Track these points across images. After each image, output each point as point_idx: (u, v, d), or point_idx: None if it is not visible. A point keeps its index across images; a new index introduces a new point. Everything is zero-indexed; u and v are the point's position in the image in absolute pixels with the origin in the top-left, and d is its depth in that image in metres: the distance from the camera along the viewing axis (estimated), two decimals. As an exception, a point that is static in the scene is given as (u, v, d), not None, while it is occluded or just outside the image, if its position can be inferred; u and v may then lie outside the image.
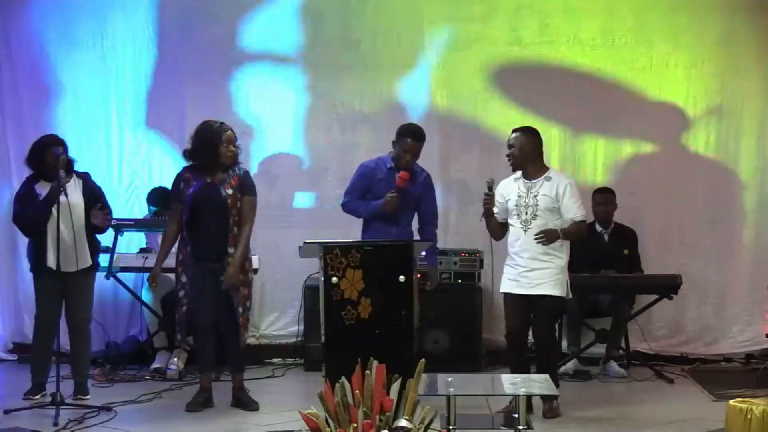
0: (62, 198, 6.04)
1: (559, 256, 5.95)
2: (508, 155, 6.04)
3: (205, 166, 6.09)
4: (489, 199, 6.01)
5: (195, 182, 6.09)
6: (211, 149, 6.05)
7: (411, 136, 6.40)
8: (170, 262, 7.24)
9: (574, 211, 5.97)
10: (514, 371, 5.88)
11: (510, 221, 6.04)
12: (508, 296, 6.04)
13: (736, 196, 7.88)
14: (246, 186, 6.16)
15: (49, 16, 7.87)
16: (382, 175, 6.48)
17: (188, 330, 6.30)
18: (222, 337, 6.21)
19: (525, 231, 5.95)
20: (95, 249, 6.46)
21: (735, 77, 7.82)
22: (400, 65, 7.88)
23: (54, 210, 6.07)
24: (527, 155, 6.02)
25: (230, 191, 6.09)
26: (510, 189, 6.07)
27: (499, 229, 6.12)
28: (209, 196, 6.06)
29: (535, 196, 5.97)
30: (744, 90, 7.83)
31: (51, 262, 6.17)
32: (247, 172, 6.24)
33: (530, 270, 5.93)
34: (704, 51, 7.83)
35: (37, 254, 6.28)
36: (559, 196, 5.95)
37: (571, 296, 6.09)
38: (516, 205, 5.99)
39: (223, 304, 6.11)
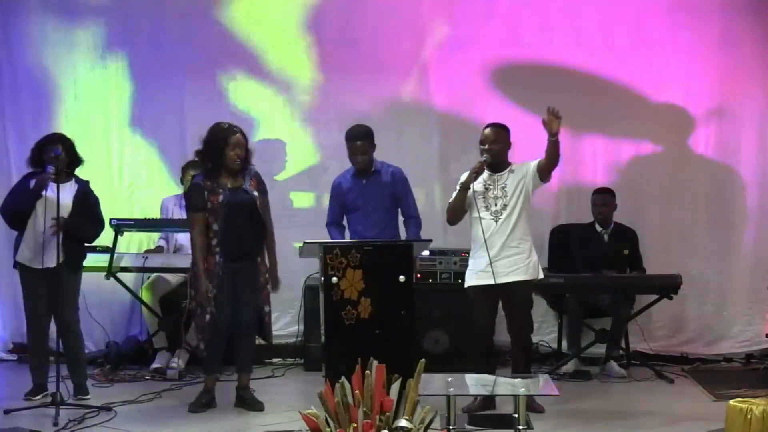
0: (50, 195, 6.04)
1: (526, 240, 6.03)
2: (487, 150, 6.01)
3: (217, 171, 6.08)
4: (478, 172, 5.96)
5: (221, 189, 6.03)
6: (218, 152, 6.03)
7: (351, 139, 6.55)
8: (172, 262, 7.27)
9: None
10: (482, 371, 5.72)
11: (478, 214, 6.00)
12: (475, 290, 6.00)
13: (736, 196, 7.88)
14: (262, 187, 6.21)
15: (49, 16, 7.87)
16: (348, 185, 6.64)
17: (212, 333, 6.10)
18: (237, 335, 6.16)
19: (496, 221, 5.98)
20: (78, 253, 6.40)
21: (735, 77, 7.82)
22: (400, 65, 7.88)
23: (38, 205, 6.10)
24: (505, 151, 6.08)
25: (255, 193, 6.12)
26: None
27: (463, 207, 6.05)
28: (242, 200, 6.06)
29: (503, 188, 6.01)
30: (744, 90, 7.83)
31: (24, 257, 6.18)
32: (257, 172, 6.25)
33: (501, 259, 5.95)
34: (704, 51, 7.83)
35: (16, 248, 6.31)
36: (526, 173, 5.99)
37: (542, 276, 6.14)
38: (483, 198, 6.00)
39: (245, 304, 6.10)
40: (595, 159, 7.94)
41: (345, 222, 6.77)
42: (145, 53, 7.90)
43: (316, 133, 7.96)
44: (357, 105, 7.91)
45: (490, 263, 5.92)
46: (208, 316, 6.02)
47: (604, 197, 7.50)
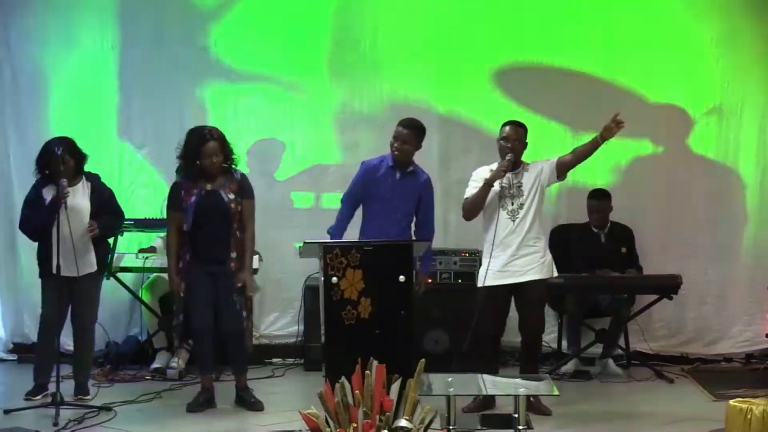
0: (69, 202, 6.05)
1: (541, 238, 6.10)
2: (509, 148, 6.02)
3: (196, 173, 6.11)
4: (506, 169, 5.97)
5: (196, 190, 6.09)
6: (193, 159, 6.10)
7: (399, 124, 6.43)
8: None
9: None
10: (488, 371, 5.74)
11: (495, 213, 6.01)
12: (490, 290, 5.99)
13: (736, 196, 7.89)
14: (245, 190, 6.21)
15: (49, 15, 7.86)
16: (383, 173, 6.46)
17: (186, 334, 6.35)
18: (223, 338, 6.21)
19: (513, 220, 5.99)
20: (103, 253, 6.46)
21: (735, 77, 7.83)
22: (400, 65, 7.88)
23: (58, 218, 6.08)
24: (523, 148, 6.08)
25: (232, 196, 6.13)
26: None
27: (484, 203, 6.03)
28: (213, 203, 6.09)
29: (519, 186, 6.03)
30: (744, 90, 7.84)
31: (55, 267, 6.19)
32: (244, 176, 6.26)
33: (519, 257, 5.97)
34: (704, 51, 7.83)
35: (43, 259, 6.30)
36: (541, 170, 6.05)
37: (557, 274, 6.17)
38: (501, 196, 6.01)
39: (224, 307, 6.13)
40: (594, 159, 7.88)
41: (360, 209, 6.61)
42: (146, 53, 7.89)
43: (317, 134, 7.95)
44: (357, 105, 7.91)
45: (508, 262, 5.94)
46: (181, 316, 6.17)
47: (600, 203, 7.48)
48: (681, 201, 7.88)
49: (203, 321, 6.14)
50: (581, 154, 6.01)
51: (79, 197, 6.24)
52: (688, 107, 7.87)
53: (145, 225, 7.45)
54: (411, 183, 6.47)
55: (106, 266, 6.59)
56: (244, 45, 7.93)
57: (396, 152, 6.39)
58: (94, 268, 6.32)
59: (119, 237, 7.21)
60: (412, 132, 6.39)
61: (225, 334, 6.19)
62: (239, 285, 6.11)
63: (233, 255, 6.13)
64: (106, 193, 6.45)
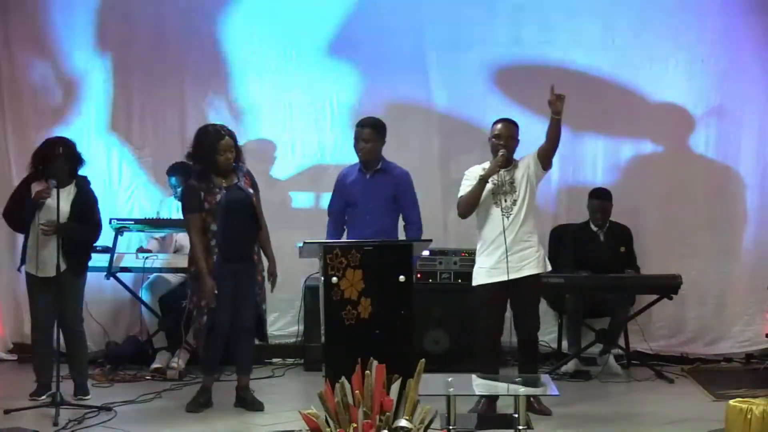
0: (49, 201, 6.06)
1: (534, 233, 6.09)
2: (504, 145, 6.00)
3: (210, 172, 6.07)
4: (502, 165, 5.97)
5: (217, 189, 6.05)
6: (208, 157, 6.04)
7: (358, 125, 6.52)
8: (173, 262, 7.26)
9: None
10: (489, 371, 5.77)
11: (488, 210, 6.00)
12: (486, 288, 5.98)
13: (736, 196, 7.89)
14: (255, 184, 6.24)
15: (49, 15, 7.86)
16: (352, 177, 6.57)
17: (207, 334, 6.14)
18: (237, 333, 6.16)
19: (507, 217, 5.97)
20: (80, 257, 6.39)
21: (735, 77, 7.83)
22: (400, 65, 7.87)
23: (36, 215, 6.14)
24: (515, 145, 6.08)
25: (250, 190, 6.15)
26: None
27: (479, 200, 5.99)
28: (240, 198, 6.08)
29: (511, 183, 6.01)
30: (744, 90, 7.84)
31: (31, 267, 6.25)
32: (249, 170, 6.27)
33: (514, 253, 5.94)
34: (704, 51, 7.83)
35: (23, 256, 6.34)
36: (528, 165, 6.03)
37: (550, 268, 6.16)
38: (494, 193, 6.00)
39: (245, 303, 6.12)
40: (595, 159, 7.94)
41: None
42: (146, 53, 7.89)
43: (316, 133, 7.95)
44: (357, 105, 7.91)
45: (504, 259, 5.91)
46: (205, 318, 6.05)
47: (601, 203, 7.47)
48: (681, 201, 7.88)
49: (223, 322, 6.09)
50: (550, 137, 5.98)
51: (62, 200, 6.14)
52: (688, 107, 7.87)
53: (145, 225, 7.44)
54: (381, 181, 6.50)
55: (84, 269, 6.49)
56: (243, 45, 7.92)
57: (359, 153, 6.48)
58: (57, 271, 6.16)
59: (119, 237, 7.22)
60: (371, 130, 6.48)
61: (240, 329, 6.14)
62: (272, 278, 6.18)
63: (256, 248, 6.16)
64: (90, 202, 6.37)
